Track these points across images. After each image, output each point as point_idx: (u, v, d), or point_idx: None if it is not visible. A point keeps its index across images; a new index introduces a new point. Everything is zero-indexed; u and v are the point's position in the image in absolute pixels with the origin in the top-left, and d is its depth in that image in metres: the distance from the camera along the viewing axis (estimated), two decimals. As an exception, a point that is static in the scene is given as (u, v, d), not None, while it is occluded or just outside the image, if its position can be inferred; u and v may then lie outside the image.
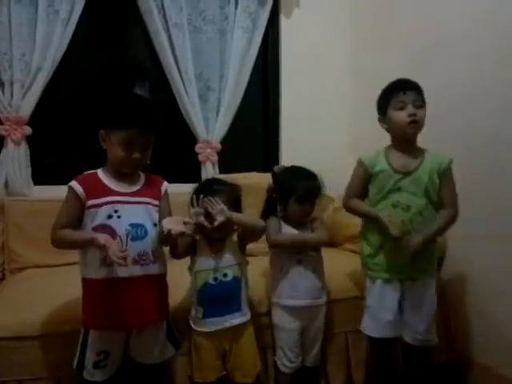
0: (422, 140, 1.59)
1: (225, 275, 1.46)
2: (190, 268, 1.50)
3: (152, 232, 1.36)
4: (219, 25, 2.54)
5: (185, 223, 1.28)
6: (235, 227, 1.50)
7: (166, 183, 1.49)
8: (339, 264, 2.00)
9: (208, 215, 1.37)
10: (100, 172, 1.38)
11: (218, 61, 2.54)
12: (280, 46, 2.73)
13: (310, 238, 1.59)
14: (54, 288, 1.72)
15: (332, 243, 2.34)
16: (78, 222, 1.32)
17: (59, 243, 1.32)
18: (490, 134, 1.80)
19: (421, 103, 1.53)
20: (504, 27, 1.73)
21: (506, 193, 1.73)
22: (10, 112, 2.15)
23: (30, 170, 2.24)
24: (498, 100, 1.76)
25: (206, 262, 1.46)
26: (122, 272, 1.31)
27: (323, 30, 2.73)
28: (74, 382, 1.42)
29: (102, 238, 1.24)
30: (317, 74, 2.73)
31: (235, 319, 1.47)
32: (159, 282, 1.41)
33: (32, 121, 2.21)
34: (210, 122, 2.53)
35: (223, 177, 1.90)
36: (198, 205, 1.38)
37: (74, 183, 1.32)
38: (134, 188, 1.39)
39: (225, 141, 2.57)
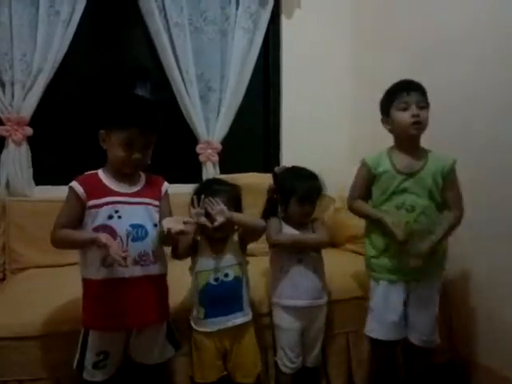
0: (422, 140, 1.58)
1: (226, 275, 1.46)
2: (191, 268, 1.50)
3: (152, 232, 1.36)
4: (220, 25, 2.54)
5: (185, 223, 1.28)
6: (236, 227, 1.50)
7: (166, 183, 1.49)
8: (340, 264, 2.00)
9: (208, 216, 1.37)
10: (100, 172, 1.38)
11: (218, 61, 2.54)
12: (281, 47, 2.73)
13: (310, 238, 1.60)
14: (54, 288, 1.72)
15: (333, 243, 2.33)
16: (78, 223, 1.32)
17: (59, 243, 1.32)
18: (490, 135, 1.79)
19: (424, 104, 1.52)
20: (505, 28, 1.73)
21: (506, 193, 1.73)
22: (11, 113, 2.15)
23: (31, 170, 2.24)
24: (499, 101, 1.76)
25: (207, 262, 1.47)
26: (122, 272, 1.31)
27: (324, 31, 2.73)
28: (74, 382, 1.42)
29: (104, 237, 1.24)
30: (318, 74, 2.73)
31: (237, 319, 1.47)
32: (159, 283, 1.41)
33: (33, 121, 2.21)
34: (211, 122, 2.53)
35: (224, 177, 1.90)
36: (198, 205, 1.38)
37: (74, 183, 1.32)
38: (135, 188, 1.39)
39: (225, 141, 2.57)
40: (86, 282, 1.35)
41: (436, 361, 1.81)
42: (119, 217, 1.32)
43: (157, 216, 1.39)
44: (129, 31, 2.52)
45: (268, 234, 1.56)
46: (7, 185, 2.18)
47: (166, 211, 1.43)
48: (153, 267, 1.36)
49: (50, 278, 1.90)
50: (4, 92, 2.14)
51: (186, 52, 2.43)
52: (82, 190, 1.31)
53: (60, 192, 1.36)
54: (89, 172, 1.38)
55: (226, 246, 1.49)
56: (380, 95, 1.63)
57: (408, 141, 1.56)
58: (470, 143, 1.85)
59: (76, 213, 1.31)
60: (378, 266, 1.61)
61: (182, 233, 1.27)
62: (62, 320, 1.49)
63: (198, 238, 1.48)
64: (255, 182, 2.04)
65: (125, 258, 1.25)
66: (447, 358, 1.89)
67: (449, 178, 1.55)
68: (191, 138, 2.53)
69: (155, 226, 1.37)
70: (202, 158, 2.53)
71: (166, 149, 2.44)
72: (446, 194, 1.56)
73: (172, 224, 1.27)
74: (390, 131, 1.60)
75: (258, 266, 1.69)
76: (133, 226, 1.33)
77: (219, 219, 1.36)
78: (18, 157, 2.18)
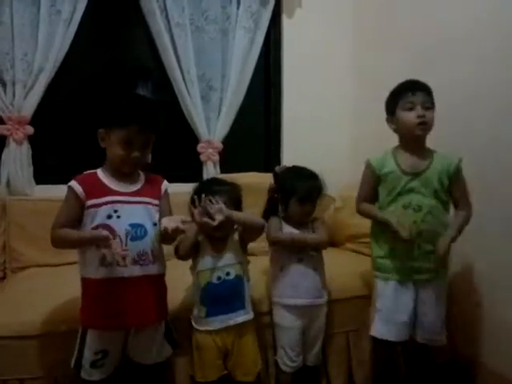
0: (423, 139, 1.58)
1: (227, 274, 1.47)
2: (192, 268, 1.50)
3: (152, 232, 1.36)
4: (221, 25, 2.54)
5: (183, 222, 1.28)
6: (235, 226, 1.50)
7: (166, 182, 1.48)
8: (340, 264, 2.00)
9: (208, 215, 1.37)
10: (100, 172, 1.37)
11: (220, 61, 2.54)
12: (282, 46, 2.73)
13: (310, 238, 1.59)
14: (54, 287, 1.72)
15: (333, 243, 2.33)
16: (77, 222, 1.32)
17: (58, 242, 1.32)
18: (492, 134, 1.79)
19: (430, 105, 1.52)
20: (506, 27, 1.73)
21: (507, 191, 1.73)
22: (12, 112, 2.15)
23: (31, 169, 2.24)
24: (500, 100, 1.75)
25: (208, 261, 1.47)
26: (121, 272, 1.31)
27: (325, 30, 2.73)
28: (74, 381, 1.42)
29: (104, 231, 1.24)
30: (319, 74, 2.73)
31: (239, 317, 1.47)
32: (158, 283, 1.41)
33: (34, 120, 2.21)
34: (212, 121, 2.53)
35: (224, 176, 1.90)
36: (199, 205, 1.38)
37: (73, 183, 1.32)
38: (134, 188, 1.38)
39: (226, 141, 2.57)
40: (85, 282, 1.35)
41: (437, 360, 1.81)
42: (118, 216, 1.31)
43: (156, 215, 1.39)
44: (130, 31, 2.52)
45: (268, 232, 1.57)
46: (8, 184, 2.18)
47: (165, 210, 1.43)
48: (152, 267, 1.36)
49: (50, 277, 1.90)
50: (5, 91, 2.14)
51: (187, 51, 2.43)
52: (81, 190, 1.31)
53: (60, 191, 1.36)
54: (88, 171, 1.38)
55: (226, 245, 1.49)
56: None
57: (413, 141, 1.56)
58: (471, 142, 1.85)
59: (75, 212, 1.31)
60: (386, 267, 1.60)
61: (177, 230, 1.27)
62: (62, 319, 1.49)
63: (200, 238, 1.48)
64: (256, 182, 2.04)
65: (124, 258, 1.25)
66: (448, 357, 1.89)
67: (455, 177, 1.55)
68: (192, 138, 2.53)
69: (155, 225, 1.37)
70: (202, 158, 2.53)
71: (167, 148, 2.46)
72: (454, 192, 1.56)
73: (169, 222, 1.27)
74: (395, 131, 1.60)
75: (258, 265, 1.69)
76: (132, 225, 1.32)
77: (218, 217, 1.36)
78: (19, 156, 2.18)
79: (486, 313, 1.85)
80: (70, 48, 2.24)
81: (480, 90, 1.84)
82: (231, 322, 1.46)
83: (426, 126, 1.51)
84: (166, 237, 1.32)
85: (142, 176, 1.44)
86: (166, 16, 2.39)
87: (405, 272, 1.57)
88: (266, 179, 1.78)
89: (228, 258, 1.48)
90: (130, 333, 1.39)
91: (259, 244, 1.62)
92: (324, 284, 1.63)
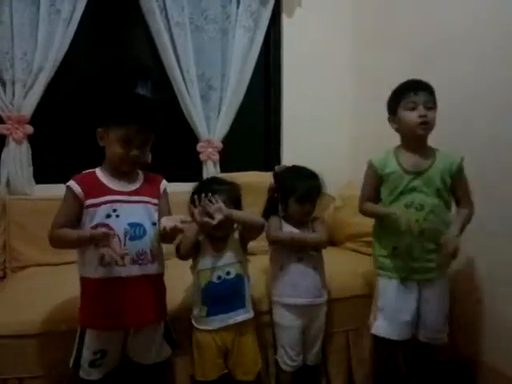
0: (423, 139, 1.58)
1: (228, 273, 1.47)
2: (193, 267, 1.50)
3: (150, 231, 1.36)
4: (221, 24, 2.53)
5: (182, 222, 1.28)
6: (235, 226, 1.50)
7: (164, 181, 1.48)
8: (340, 263, 2.01)
9: (208, 214, 1.37)
10: (98, 171, 1.37)
11: (219, 60, 2.54)
12: (282, 45, 2.73)
13: (310, 238, 1.59)
14: (54, 287, 1.72)
15: (333, 242, 2.33)
16: (76, 222, 1.31)
17: (57, 242, 1.32)
18: (491, 133, 1.79)
19: (432, 104, 1.52)
20: (506, 26, 1.73)
21: (507, 191, 1.73)
22: (12, 111, 2.15)
23: (31, 168, 2.24)
24: (500, 99, 1.75)
25: (208, 260, 1.47)
26: (119, 272, 1.30)
27: (325, 29, 2.73)
28: (74, 381, 1.42)
29: (103, 229, 1.24)
30: (318, 73, 2.73)
31: (239, 316, 1.48)
32: (157, 282, 1.41)
33: (34, 120, 2.21)
34: (212, 121, 2.53)
35: (224, 176, 1.90)
36: (200, 204, 1.38)
37: (71, 183, 1.32)
38: (133, 187, 1.38)
39: (226, 140, 2.57)
40: (84, 281, 1.35)
41: (438, 358, 1.81)
42: (117, 216, 1.31)
43: (155, 214, 1.39)
44: (130, 30, 2.51)
45: (268, 231, 1.57)
46: (7, 183, 2.18)
47: (164, 210, 1.42)
48: (150, 266, 1.36)
49: (50, 276, 1.90)
50: (5, 91, 2.14)
51: (187, 51, 2.43)
52: (80, 190, 1.30)
53: (60, 190, 1.36)
54: (86, 171, 1.38)
55: (226, 244, 1.49)
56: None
57: (415, 140, 1.56)
58: (470, 141, 1.85)
59: (74, 212, 1.31)
60: (388, 265, 1.60)
61: (176, 229, 1.27)
62: (61, 318, 1.49)
63: (200, 237, 1.48)
64: (256, 181, 2.04)
65: (123, 257, 1.25)
66: (449, 356, 1.89)
67: (457, 176, 1.55)
68: (192, 137, 2.53)
69: (153, 224, 1.37)
70: (202, 157, 2.53)
71: (167, 148, 2.46)
72: (457, 190, 1.57)
73: (167, 222, 1.26)
74: (397, 130, 1.60)
75: (258, 264, 1.70)
76: (131, 224, 1.32)
77: (217, 217, 1.36)
78: (19, 155, 2.18)
79: (486, 310, 1.85)
80: (69, 47, 2.23)
81: (480, 89, 1.84)
82: (231, 321, 1.46)
83: (427, 125, 1.51)
84: (165, 236, 1.32)
85: (141, 175, 1.43)
86: (166, 15, 2.39)
87: (407, 271, 1.57)
88: (265, 178, 1.78)
89: (228, 257, 1.48)
90: (130, 333, 1.39)
91: (259, 243, 1.62)
92: (324, 283, 1.64)
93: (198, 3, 2.49)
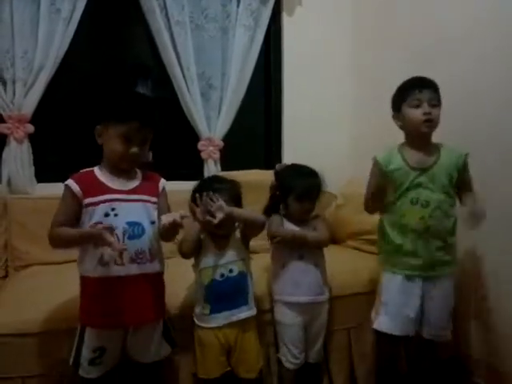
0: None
1: (230, 271, 1.47)
2: (195, 266, 1.51)
3: (149, 230, 1.35)
4: (221, 23, 2.53)
5: (182, 217, 1.28)
6: (236, 224, 1.51)
7: (163, 180, 1.48)
8: (341, 261, 2.01)
9: (209, 213, 1.37)
10: (97, 170, 1.37)
11: (219, 59, 2.54)
12: (282, 44, 2.73)
13: (311, 236, 1.59)
14: (56, 285, 1.72)
15: (334, 240, 2.34)
16: (75, 221, 1.31)
17: (57, 240, 1.31)
18: (491, 133, 1.80)
19: (436, 102, 1.53)
20: (506, 26, 1.74)
21: (507, 190, 1.73)
22: (13, 110, 2.14)
23: (32, 168, 2.24)
24: (500, 99, 1.76)
25: (211, 258, 1.47)
26: (118, 270, 1.31)
27: (325, 29, 2.73)
28: (74, 379, 1.42)
29: (103, 226, 1.23)
30: (319, 72, 2.73)
31: (242, 313, 1.48)
32: (156, 281, 1.41)
33: (34, 119, 2.21)
34: (212, 119, 2.53)
35: (225, 174, 1.90)
36: (200, 203, 1.38)
37: (70, 182, 1.31)
38: (132, 185, 1.38)
39: (227, 138, 2.57)
40: (84, 280, 1.35)
41: (442, 356, 1.81)
42: (116, 214, 1.31)
43: (154, 213, 1.39)
44: (130, 29, 2.51)
45: (269, 229, 1.57)
46: (9, 182, 2.18)
47: (164, 208, 1.42)
48: (149, 265, 1.36)
49: (52, 275, 1.90)
50: (5, 90, 2.13)
51: (187, 49, 2.43)
52: (78, 188, 1.30)
53: (61, 189, 1.35)
54: (84, 169, 1.38)
55: (229, 242, 1.50)
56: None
57: (419, 138, 1.56)
58: (470, 141, 1.84)
59: (73, 211, 1.31)
60: (393, 261, 1.60)
61: (175, 224, 1.26)
62: (64, 317, 1.49)
63: (202, 236, 1.48)
64: (257, 179, 2.05)
65: (121, 255, 1.26)
66: (451, 354, 1.90)
67: (463, 170, 1.57)
68: (193, 136, 2.53)
69: (152, 223, 1.37)
70: (203, 156, 2.53)
71: (168, 146, 2.46)
72: (463, 182, 1.58)
73: (167, 218, 1.26)
74: (401, 128, 1.60)
75: (260, 262, 1.70)
76: (129, 223, 1.32)
77: (219, 215, 1.36)
78: (20, 154, 2.18)
79: (491, 307, 1.85)
80: (69, 46, 2.23)
81: (479, 89, 1.85)
82: (234, 318, 1.46)
83: (432, 123, 1.52)
84: (166, 233, 1.33)
85: (139, 174, 1.43)
86: (166, 14, 2.39)
87: (413, 267, 1.57)
88: (266, 177, 1.79)
89: (231, 255, 1.49)
90: (129, 331, 1.39)
91: (260, 241, 1.63)
92: (325, 281, 1.64)
93: (198, 2, 2.49)
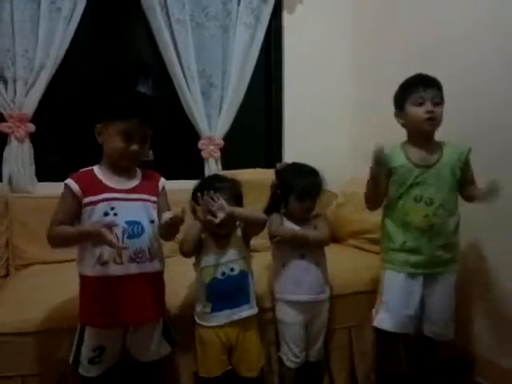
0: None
1: (232, 269, 1.48)
2: (196, 264, 1.51)
3: (149, 229, 1.35)
4: (222, 21, 2.53)
5: (182, 211, 1.27)
6: (238, 222, 1.51)
7: (163, 179, 1.48)
8: (342, 260, 2.02)
9: (210, 212, 1.38)
10: (96, 169, 1.37)
11: (220, 57, 2.53)
12: (283, 42, 2.72)
13: (311, 235, 1.59)
14: (57, 284, 1.72)
15: (335, 239, 2.35)
16: (75, 220, 1.32)
17: (55, 239, 1.31)
18: (490, 135, 1.79)
19: (439, 100, 1.53)
20: (506, 28, 1.74)
21: (506, 190, 1.73)
22: (14, 109, 2.14)
23: (33, 167, 2.24)
24: (500, 100, 1.76)
25: (212, 257, 1.48)
26: (117, 270, 1.31)
27: (325, 31, 2.73)
28: (75, 378, 1.42)
29: (102, 225, 1.23)
30: (319, 74, 2.73)
31: (244, 311, 1.48)
32: (156, 280, 1.41)
33: (35, 118, 2.21)
34: (213, 118, 2.53)
35: (226, 173, 1.90)
36: (202, 202, 1.38)
37: (69, 181, 1.31)
38: (131, 184, 1.38)
39: (228, 137, 2.57)
40: (83, 279, 1.35)
41: (442, 355, 1.82)
42: (115, 214, 1.31)
43: (154, 212, 1.39)
44: (130, 28, 2.51)
45: (269, 228, 1.57)
46: (10, 181, 2.18)
47: (164, 207, 1.42)
48: (149, 265, 1.36)
49: (53, 274, 1.90)
50: (6, 89, 2.13)
51: (188, 48, 2.43)
52: (78, 188, 1.30)
53: (62, 189, 1.36)
54: (84, 169, 1.37)
55: (230, 241, 1.50)
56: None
57: (422, 135, 1.56)
58: (470, 142, 1.84)
59: (72, 210, 1.31)
60: (396, 259, 1.60)
61: (176, 219, 1.26)
62: (65, 316, 1.50)
63: (203, 235, 1.49)
64: (257, 178, 2.05)
65: (120, 254, 1.26)
66: (450, 353, 1.90)
67: (466, 165, 1.57)
68: (193, 134, 2.53)
69: (152, 222, 1.37)
70: (204, 154, 2.53)
71: (168, 145, 2.46)
72: (467, 177, 1.58)
73: (167, 215, 1.26)
74: (403, 125, 1.60)
75: (261, 261, 1.70)
76: (128, 222, 1.32)
77: (220, 215, 1.36)
78: (21, 153, 2.18)
79: (486, 308, 1.86)
80: (70, 45, 2.23)
81: (479, 90, 1.85)
82: (235, 317, 1.47)
83: (434, 121, 1.52)
84: (167, 231, 1.33)
85: (139, 173, 1.43)
86: (167, 12, 2.39)
87: (415, 265, 1.57)
88: (267, 176, 1.79)
89: (232, 253, 1.49)
90: (129, 330, 1.39)
91: (261, 240, 1.63)
92: (326, 279, 1.64)
93: (199, 0, 2.49)
